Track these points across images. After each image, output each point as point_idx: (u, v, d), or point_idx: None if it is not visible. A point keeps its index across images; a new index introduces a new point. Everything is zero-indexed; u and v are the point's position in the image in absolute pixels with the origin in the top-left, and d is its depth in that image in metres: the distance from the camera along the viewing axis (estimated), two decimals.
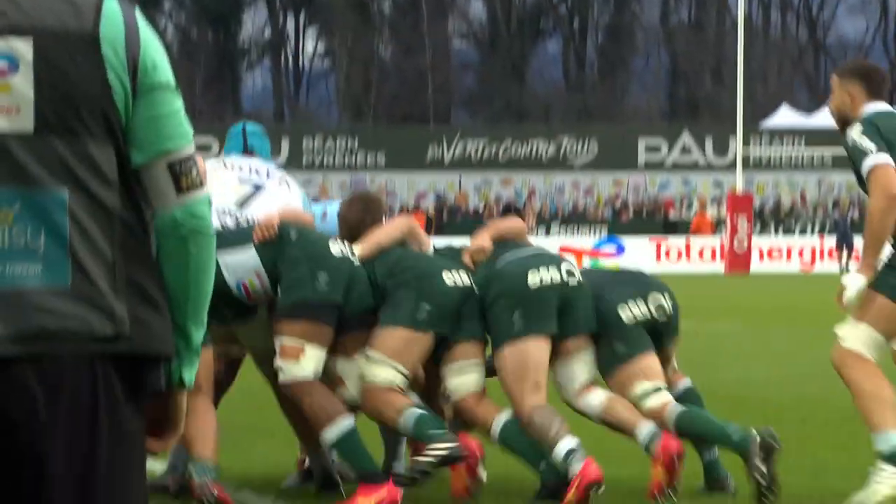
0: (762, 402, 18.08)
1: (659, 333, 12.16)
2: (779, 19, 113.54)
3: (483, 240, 12.14)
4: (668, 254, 74.79)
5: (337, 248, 11.37)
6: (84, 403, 4.02)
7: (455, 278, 11.64)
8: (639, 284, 12.50)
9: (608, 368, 11.93)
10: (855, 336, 11.15)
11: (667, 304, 12.19)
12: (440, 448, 10.85)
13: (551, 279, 11.69)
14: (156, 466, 11.30)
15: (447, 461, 10.96)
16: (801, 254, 75.00)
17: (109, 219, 4.07)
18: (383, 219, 12.53)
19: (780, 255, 74.38)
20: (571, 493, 10.84)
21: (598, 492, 10.94)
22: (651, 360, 11.92)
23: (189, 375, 4.31)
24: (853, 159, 11.18)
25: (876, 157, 10.85)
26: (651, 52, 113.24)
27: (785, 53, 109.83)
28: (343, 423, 10.94)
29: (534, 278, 11.65)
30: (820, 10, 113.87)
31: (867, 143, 10.92)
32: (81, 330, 4.01)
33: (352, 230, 12.07)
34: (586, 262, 73.23)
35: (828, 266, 70.34)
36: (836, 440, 14.84)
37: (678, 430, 11.37)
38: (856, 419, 16.21)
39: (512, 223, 13.12)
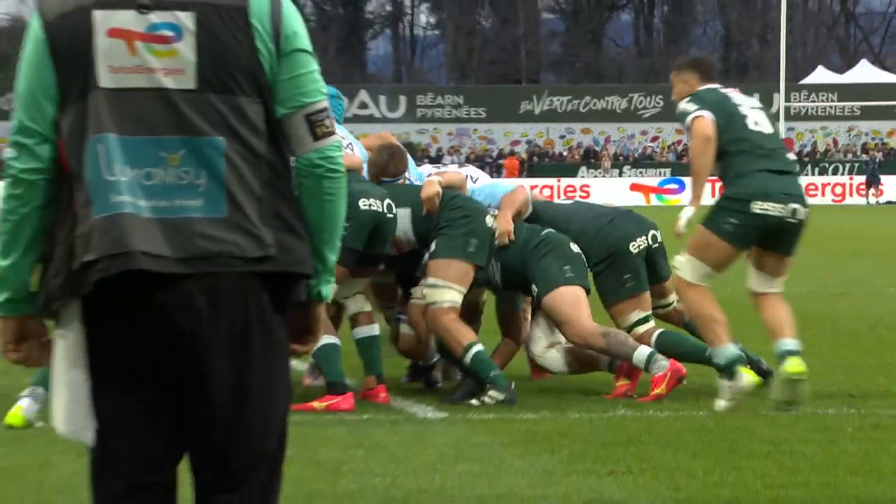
0: (800, 314, 17.90)
1: (655, 265, 12.24)
2: None
3: (506, 224, 11.87)
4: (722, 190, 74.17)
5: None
6: (239, 314, 4.06)
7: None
8: (638, 222, 12.47)
9: (614, 298, 12.05)
10: (686, 267, 11.29)
11: (659, 238, 12.31)
12: (498, 395, 10.88)
13: None
14: None
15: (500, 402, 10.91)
16: (833, 190, 74.42)
17: (258, 161, 4.09)
18: (407, 165, 12.34)
19: (817, 190, 73.88)
20: (662, 387, 11.06)
21: (683, 383, 11.25)
22: (647, 294, 12.09)
23: (326, 291, 4.29)
24: (681, 122, 11.67)
25: (695, 113, 11.19)
26: (707, 22, 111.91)
27: (820, 22, 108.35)
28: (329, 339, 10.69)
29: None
30: None
31: (689, 107, 11.32)
32: (235, 252, 4.03)
33: (379, 172, 11.97)
34: (653, 199, 73.08)
35: (856, 200, 69.76)
36: (864, 345, 14.77)
37: (659, 349, 11.40)
38: (881, 327, 16.20)
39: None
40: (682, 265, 11.38)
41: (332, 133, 4.17)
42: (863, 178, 73.65)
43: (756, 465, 8.80)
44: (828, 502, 7.83)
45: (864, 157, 78.84)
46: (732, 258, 11.44)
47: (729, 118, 11.33)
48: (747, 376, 10.87)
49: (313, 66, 4.17)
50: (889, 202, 71.49)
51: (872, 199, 70.84)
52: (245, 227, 4.04)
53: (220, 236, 4.01)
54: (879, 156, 78.42)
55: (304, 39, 4.16)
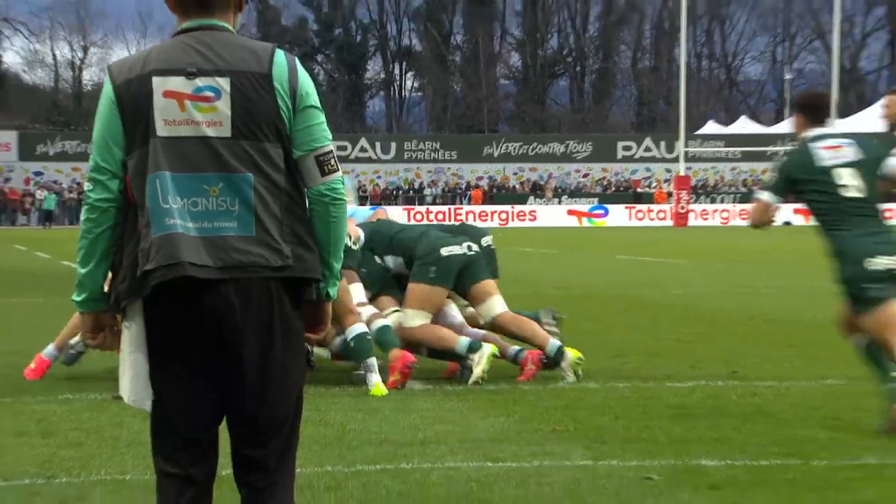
0: (696, 309, 18.05)
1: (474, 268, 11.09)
2: (707, 65, 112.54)
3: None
4: (637, 214, 74.70)
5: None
6: (264, 309, 4.06)
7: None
8: (468, 232, 11.52)
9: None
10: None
11: (483, 246, 11.29)
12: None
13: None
14: None
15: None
16: (720, 214, 74.70)
17: (279, 192, 4.08)
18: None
19: (707, 215, 74.20)
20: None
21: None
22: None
23: (333, 291, 4.29)
24: None
25: None
26: (625, 86, 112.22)
27: (710, 87, 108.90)
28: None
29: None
30: (733, 59, 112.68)
31: None
32: (262, 262, 4.03)
33: None
34: (585, 221, 73.20)
35: (738, 222, 69.90)
36: (744, 333, 14.75)
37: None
38: (757, 318, 16.18)
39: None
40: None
41: (336, 170, 4.19)
42: (744, 206, 73.99)
43: (663, 424, 8.79)
44: (717, 453, 7.81)
45: (745, 189, 79.25)
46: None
47: None
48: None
49: (321, 118, 4.18)
50: (786, 223, 71.69)
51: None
52: (269, 243, 4.04)
53: (250, 250, 4.02)
54: (756, 188, 79.28)
55: (314, 98, 4.16)
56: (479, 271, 11.13)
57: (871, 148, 8.81)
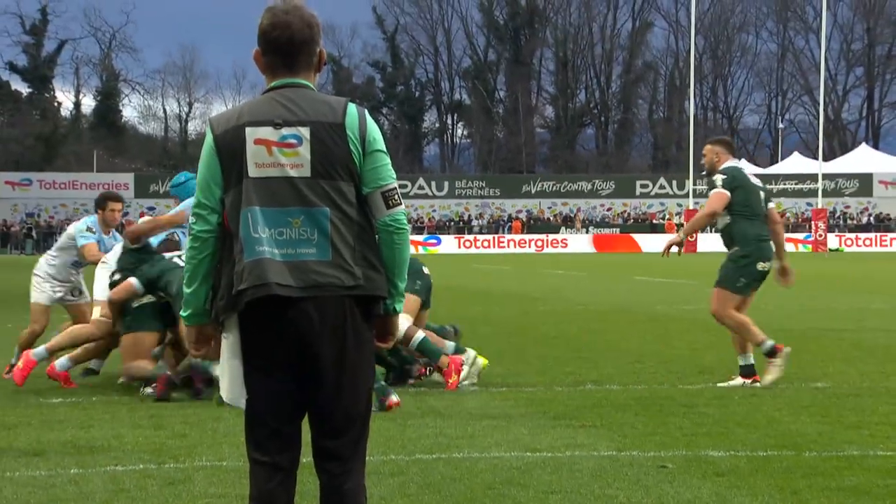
0: (710, 321, 17.84)
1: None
2: (712, 116, 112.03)
3: None
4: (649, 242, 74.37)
5: None
6: (339, 322, 4.04)
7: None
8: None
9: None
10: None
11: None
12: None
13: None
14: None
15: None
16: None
17: (351, 223, 4.06)
18: None
19: (714, 243, 73.55)
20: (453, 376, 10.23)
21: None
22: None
23: (399, 307, 4.23)
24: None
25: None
26: (642, 133, 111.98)
27: (715, 134, 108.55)
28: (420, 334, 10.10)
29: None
30: (734, 111, 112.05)
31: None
32: (336, 283, 4.01)
33: None
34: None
35: None
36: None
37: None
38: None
39: None
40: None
41: (399, 204, 4.14)
42: None
43: (676, 420, 8.71)
44: (722, 445, 7.74)
45: None
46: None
47: None
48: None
49: (387, 160, 4.16)
50: None
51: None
52: (343, 266, 4.03)
53: (326, 272, 4.01)
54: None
55: (381, 143, 4.15)
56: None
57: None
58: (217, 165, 4.10)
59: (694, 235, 71.35)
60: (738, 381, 10.55)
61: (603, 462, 7.22)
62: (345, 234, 4.05)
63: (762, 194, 10.72)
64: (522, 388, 10.50)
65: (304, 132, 4.04)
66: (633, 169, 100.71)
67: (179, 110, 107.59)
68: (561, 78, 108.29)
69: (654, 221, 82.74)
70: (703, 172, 11.11)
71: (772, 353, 10.50)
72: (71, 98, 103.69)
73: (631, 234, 75.23)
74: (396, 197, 4.14)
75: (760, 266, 10.59)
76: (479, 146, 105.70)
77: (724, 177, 10.59)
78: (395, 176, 4.18)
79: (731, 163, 10.85)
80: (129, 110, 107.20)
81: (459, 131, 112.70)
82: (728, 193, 10.51)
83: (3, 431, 8.49)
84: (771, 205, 10.83)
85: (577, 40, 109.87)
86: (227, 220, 4.12)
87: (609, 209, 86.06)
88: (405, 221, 4.17)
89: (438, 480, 6.71)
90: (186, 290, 4.19)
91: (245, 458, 4.25)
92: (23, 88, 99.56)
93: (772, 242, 10.69)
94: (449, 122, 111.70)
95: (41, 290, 11.79)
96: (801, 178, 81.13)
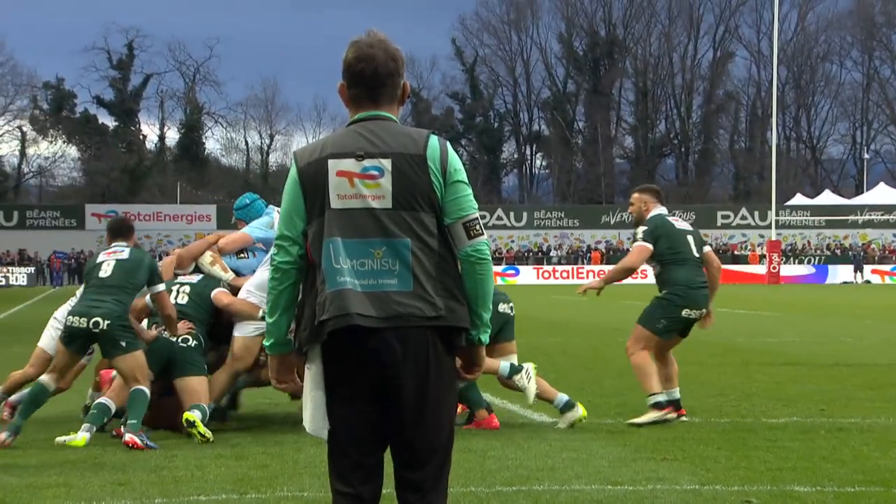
0: (792, 354, 17.57)
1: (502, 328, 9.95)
2: (795, 146, 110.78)
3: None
4: (731, 274, 73.64)
5: None
6: (421, 353, 4.02)
7: None
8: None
9: None
10: None
11: (507, 309, 10.06)
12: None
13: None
14: None
15: None
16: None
17: (432, 253, 4.05)
18: None
19: (798, 275, 72.55)
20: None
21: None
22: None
23: (484, 337, 4.19)
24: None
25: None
26: (724, 164, 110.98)
27: (798, 165, 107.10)
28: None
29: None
30: (818, 141, 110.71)
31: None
32: (418, 314, 4.00)
33: None
34: None
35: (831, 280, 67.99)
36: (832, 374, 14.28)
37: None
38: (843, 363, 15.68)
39: None
40: None
41: (481, 234, 4.11)
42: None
43: (760, 455, 8.59)
44: (808, 480, 7.61)
45: (829, 252, 77.71)
46: None
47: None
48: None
49: (468, 191, 4.14)
50: (867, 282, 70.27)
51: (859, 279, 69.43)
52: (425, 297, 4.02)
53: (408, 303, 4.00)
54: (838, 251, 77.56)
55: (462, 174, 4.14)
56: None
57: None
58: (300, 198, 4.13)
59: (777, 268, 70.70)
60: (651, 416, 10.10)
61: (686, 496, 7.13)
62: (426, 265, 4.03)
63: (691, 238, 10.45)
64: (602, 419, 10.42)
65: (386, 164, 4.04)
66: (713, 199, 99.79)
67: (261, 142, 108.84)
68: (641, 108, 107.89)
69: (736, 252, 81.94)
70: (630, 220, 10.81)
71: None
72: (156, 131, 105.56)
73: None
74: (478, 227, 4.11)
75: (685, 313, 10.32)
76: (557, 177, 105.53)
77: (646, 228, 10.41)
78: (476, 206, 4.15)
79: (658, 210, 10.59)
80: (212, 143, 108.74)
81: (538, 162, 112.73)
82: (650, 246, 10.35)
83: (89, 462, 8.61)
84: (706, 248, 10.53)
85: (657, 70, 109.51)
86: (309, 252, 4.15)
87: None
88: (488, 252, 4.13)
89: None
90: (269, 320, 4.20)
91: (326, 489, 4.26)
92: (109, 122, 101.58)
93: (706, 290, 10.41)
94: (528, 152, 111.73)
95: (53, 336, 10.22)
96: (888, 208, 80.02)
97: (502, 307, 10.00)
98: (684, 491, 7.30)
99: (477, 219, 4.12)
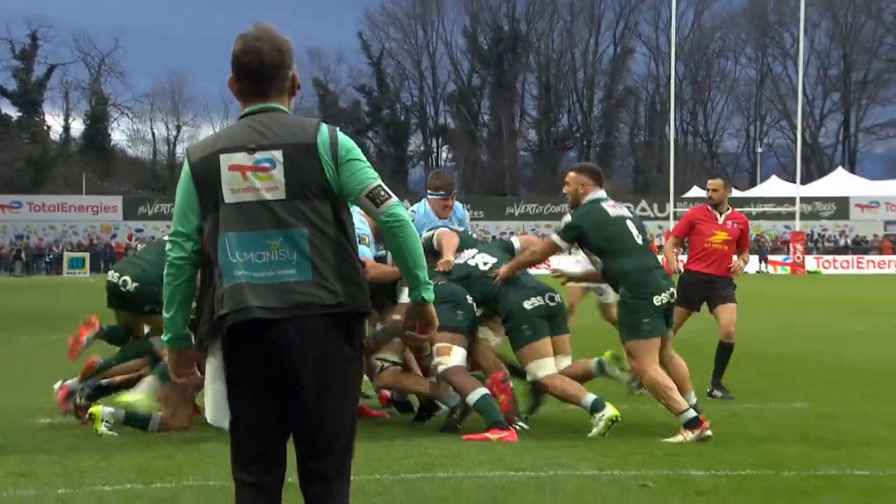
0: (694, 343, 17.76)
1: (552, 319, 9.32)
2: (692, 140, 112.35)
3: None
4: None
5: None
6: (320, 342, 3.99)
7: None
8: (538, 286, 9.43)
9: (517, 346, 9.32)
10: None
11: (550, 300, 9.31)
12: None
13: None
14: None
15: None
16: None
17: (329, 241, 4.02)
18: None
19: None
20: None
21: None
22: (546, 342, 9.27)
23: (427, 295, 4.14)
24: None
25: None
26: (624, 157, 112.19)
27: (695, 159, 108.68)
28: (479, 391, 8.88)
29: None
30: (713, 135, 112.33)
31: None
32: (319, 301, 3.97)
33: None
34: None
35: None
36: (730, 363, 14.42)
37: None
38: (740, 350, 15.67)
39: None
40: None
41: (389, 197, 4.08)
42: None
43: (657, 441, 8.65)
44: (703, 464, 7.69)
45: None
46: None
47: None
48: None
49: (362, 165, 4.10)
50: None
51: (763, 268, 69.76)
52: (324, 284, 4.00)
53: (308, 291, 3.99)
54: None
55: (354, 152, 4.11)
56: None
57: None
58: (194, 194, 4.10)
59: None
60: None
61: (585, 481, 7.18)
62: (324, 253, 4.01)
63: (630, 224, 9.20)
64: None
65: (277, 155, 4.02)
66: (614, 192, 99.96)
67: (168, 134, 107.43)
68: (544, 102, 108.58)
69: None
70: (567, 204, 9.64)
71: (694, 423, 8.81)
72: (60, 122, 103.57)
73: None
74: (383, 193, 4.08)
75: (657, 300, 8.94)
76: (462, 169, 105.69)
77: (571, 221, 9.23)
78: (375, 176, 4.12)
79: (595, 195, 9.36)
80: (118, 134, 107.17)
81: (444, 154, 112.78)
82: (561, 245, 9.26)
83: None
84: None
85: (559, 65, 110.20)
86: (206, 247, 4.11)
87: None
88: (402, 214, 4.09)
89: (423, 500, 6.68)
90: (165, 316, 4.19)
91: (231, 478, 4.23)
92: (13, 112, 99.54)
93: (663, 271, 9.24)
94: (434, 145, 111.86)
95: None
96: (780, 200, 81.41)
97: (550, 298, 9.23)
98: (584, 476, 7.35)
99: (379, 186, 4.09)
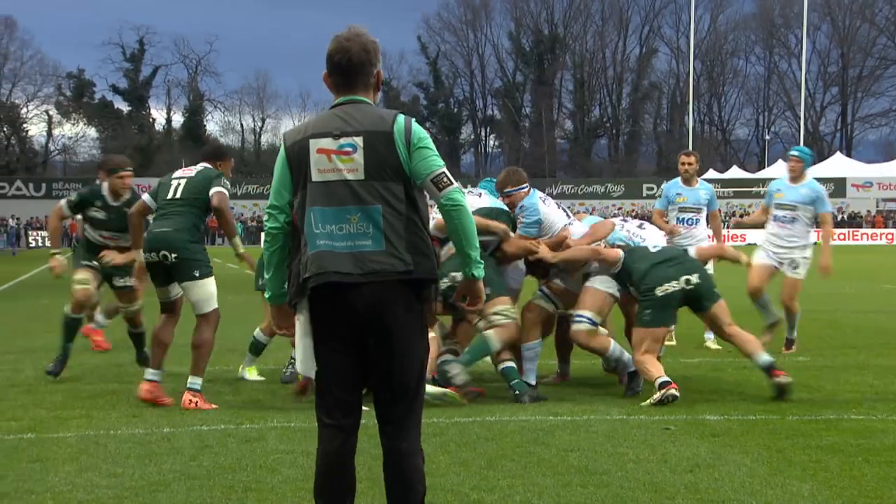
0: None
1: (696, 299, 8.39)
2: (708, 129, 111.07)
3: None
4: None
5: None
6: (391, 302, 3.97)
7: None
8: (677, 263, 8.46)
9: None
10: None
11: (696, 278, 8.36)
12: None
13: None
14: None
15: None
16: (711, 238, 73.19)
17: (401, 217, 3.97)
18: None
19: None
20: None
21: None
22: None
23: (477, 272, 4.07)
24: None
25: None
26: (648, 144, 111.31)
27: (711, 144, 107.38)
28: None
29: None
30: (727, 124, 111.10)
31: None
32: (391, 269, 3.95)
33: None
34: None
35: (730, 243, 68.32)
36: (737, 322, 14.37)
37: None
38: (738, 309, 15.57)
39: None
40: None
41: (450, 184, 4.00)
42: (735, 231, 72.48)
43: (678, 388, 8.61)
44: (717, 410, 7.64)
45: (738, 218, 77.99)
46: None
47: None
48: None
49: (430, 153, 4.02)
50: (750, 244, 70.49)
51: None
52: (396, 254, 3.97)
53: (381, 260, 3.96)
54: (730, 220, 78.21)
55: (425, 141, 4.02)
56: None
57: None
58: (287, 173, 4.10)
59: None
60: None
61: (615, 424, 7.17)
62: (396, 227, 3.97)
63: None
64: (545, 361, 10.46)
65: (359, 141, 3.99)
66: (640, 174, 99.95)
67: (254, 125, 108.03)
68: (578, 96, 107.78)
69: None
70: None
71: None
72: (163, 115, 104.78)
73: None
74: (445, 179, 4.01)
75: (660, 291, 8.26)
76: (507, 155, 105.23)
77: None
78: (441, 163, 4.04)
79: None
80: (212, 125, 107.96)
81: (491, 142, 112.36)
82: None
83: (108, 396, 8.59)
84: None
85: (592, 64, 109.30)
86: (295, 219, 4.14)
87: (620, 209, 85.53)
88: (460, 199, 4.00)
89: (474, 440, 6.69)
90: (266, 276, 4.23)
91: (311, 421, 4.24)
92: (123, 107, 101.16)
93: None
94: (482, 134, 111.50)
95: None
96: None
97: (693, 277, 8.29)
98: (614, 420, 7.34)
99: (443, 173, 4.01)
